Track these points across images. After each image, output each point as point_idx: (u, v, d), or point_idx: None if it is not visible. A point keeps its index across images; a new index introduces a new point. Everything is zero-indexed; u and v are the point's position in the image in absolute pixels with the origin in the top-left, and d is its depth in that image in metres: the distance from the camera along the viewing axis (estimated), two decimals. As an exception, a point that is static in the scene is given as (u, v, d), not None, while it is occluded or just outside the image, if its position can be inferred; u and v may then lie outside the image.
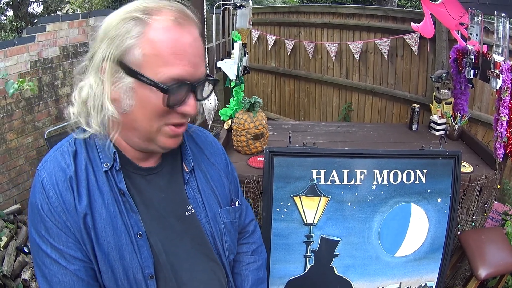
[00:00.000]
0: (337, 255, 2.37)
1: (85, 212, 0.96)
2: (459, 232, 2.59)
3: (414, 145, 2.90)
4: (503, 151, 2.46)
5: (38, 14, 11.16)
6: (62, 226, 0.95)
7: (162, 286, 1.03)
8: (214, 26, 3.55)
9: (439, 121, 3.19)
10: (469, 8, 2.65)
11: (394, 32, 4.36)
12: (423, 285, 2.45)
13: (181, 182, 1.11)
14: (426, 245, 2.39)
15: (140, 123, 0.95)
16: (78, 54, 4.55)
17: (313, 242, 2.35)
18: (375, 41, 4.50)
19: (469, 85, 2.98)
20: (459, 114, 3.08)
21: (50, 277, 0.97)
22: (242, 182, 2.39)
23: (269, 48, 5.84)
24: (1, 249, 3.06)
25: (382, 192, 2.32)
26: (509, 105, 2.39)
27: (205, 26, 3.06)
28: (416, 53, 4.16)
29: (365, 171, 2.30)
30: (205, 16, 2.93)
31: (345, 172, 2.30)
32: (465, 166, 2.55)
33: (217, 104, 3.15)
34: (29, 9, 11.01)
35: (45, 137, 4.07)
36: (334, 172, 2.29)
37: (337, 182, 2.30)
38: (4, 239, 3.14)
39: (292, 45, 5.44)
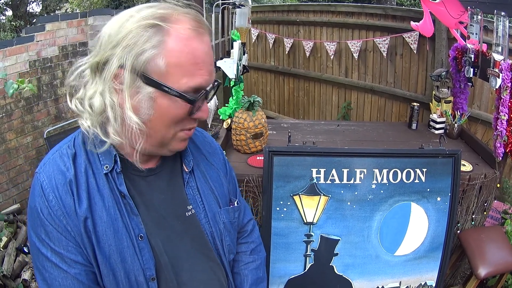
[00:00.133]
0: (337, 254, 2.37)
1: (86, 215, 0.95)
2: (458, 231, 2.59)
3: (413, 144, 2.90)
4: (502, 150, 2.46)
5: (37, 13, 11.14)
6: (63, 230, 0.95)
7: (163, 287, 1.03)
8: (213, 25, 3.55)
9: (438, 120, 3.19)
10: (468, 7, 2.65)
11: (394, 31, 4.36)
12: (423, 284, 2.45)
13: (181, 183, 1.11)
14: (426, 244, 2.39)
15: (157, 131, 0.95)
16: (77, 54, 4.54)
17: (313, 241, 2.36)
18: (374, 40, 4.50)
19: (469, 84, 2.98)
20: (458, 113, 3.08)
21: (50, 281, 0.96)
22: (241, 182, 2.39)
23: (268, 47, 5.84)
24: (1, 249, 3.06)
25: (382, 191, 2.32)
26: (509, 104, 2.39)
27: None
28: (415, 51, 4.16)
29: (365, 170, 2.30)
30: (204, 15, 2.92)
31: (345, 171, 2.30)
32: (465, 165, 2.55)
33: (217, 104, 3.15)
34: (28, 9, 11.00)
35: (45, 136, 4.07)
36: (333, 171, 2.29)
37: (337, 181, 2.30)
38: (4, 239, 3.13)
39: (291, 44, 5.43)
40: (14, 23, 9.90)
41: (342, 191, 2.31)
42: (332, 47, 4.92)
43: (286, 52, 5.58)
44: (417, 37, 4.06)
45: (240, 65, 2.94)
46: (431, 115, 3.29)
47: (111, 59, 0.89)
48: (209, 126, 3.98)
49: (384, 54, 4.43)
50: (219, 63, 2.79)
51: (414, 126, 3.29)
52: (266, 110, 6.25)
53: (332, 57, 5.02)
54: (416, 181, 2.32)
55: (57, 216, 0.94)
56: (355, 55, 4.73)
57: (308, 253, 2.37)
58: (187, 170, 1.11)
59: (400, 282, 2.44)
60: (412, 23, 3.76)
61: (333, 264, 2.39)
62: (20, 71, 3.85)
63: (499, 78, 2.38)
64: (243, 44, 3.07)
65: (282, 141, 2.84)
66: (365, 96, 4.98)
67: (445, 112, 3.16)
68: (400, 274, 2.42)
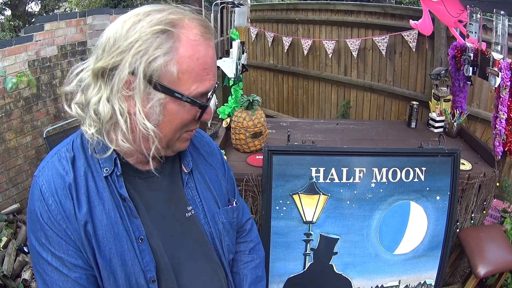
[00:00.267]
0: (336, 253, 2.37)
1: (86, 219, 0.95)
2: (458, 230, 2.59)
3: (413, 143, 2.90)
4: (501, 148, 2.47)
5: (36, 12, 11.12)
6: (63, 234, 0.95)
7: None
8: (212, 24, 3.54)
9: (437, 119, 3.19)
10: (468, 6, 2.65)
11: (393, 29, 4.36)
12: (422, 282, 2.46)
13: (180, 184, 1.11)
14: (425, 243, 2.39)
15: (165, 135, 0.96)
16: (76, 53, 4.54)
17: (312, 240, 2.36)
18: (374, 38, 4.50)
19: (468, 82, 2.98)
20: (457, 111, 3.08)
21: (51, 284, 0.96)
22: (241, 181, 2.39)
23: (267, 45, 5.83)
24: (1, 249, 3.06)
25: (381, 190, 2.32)
26: (508, 103, 2.39)
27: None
28: (415, 50, 4.16)
29: (364, 169, 2.30)
30: (203, 15, 2.91)
31: (344, 170, 2.30)
32: (464, 164, 2.56)
33: (216, 103, 3.15)
34: (26, 8, 10.98)
35: (44, 136, 4.08)
36: (333, 170, 2.29)
37: (336, 180, 2.30)
38: (4, 239, 3.14)
39: (289, 42, 5.43)
40: (13, 23, 9.90)
41: (341, 190, 2.31)
42: (331, 46, 4.92)
43: (285, 50, 5.58)
44: (416, 35, 4.05)
45: (239, 64, 2.93)
46: (430, 113, 3.29)
47: (121, 65, 0.88)
48: (209, 125, 3.98)
49: (383, 52, 4.43)
50: (219, 63, 2.79)
51: (413, 124, 3.29)
52: (265, 108, 6.26)
53: (331, 56, 5.02)
54: (415, 180, 2.32)
55: (57, 221, 0.94)
56: (354, 54, 4.73)
57: (307, 252, 2.37)
58: (186, 171, 1.11)
59: (400, 281, 2.44)
60: (411, 21, 3.76)
61: (333, 263, 2.39)
62: (19, 71, 3.85)
63: (498, 77, 2.38)
64: (242, 43, 3.07)
65: (281, 140, 2.84)
66: (364, 94, 4.98)
67: (444, 111, 3.16)
68: (399, 273, 2.42)
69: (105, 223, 0.97)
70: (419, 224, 2.37)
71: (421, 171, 2.32)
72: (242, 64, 3.09)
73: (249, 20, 3.27)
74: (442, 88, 3.15)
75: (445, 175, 2.33)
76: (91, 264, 0.97)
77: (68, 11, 10.45)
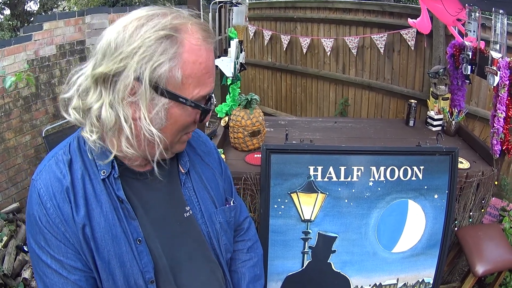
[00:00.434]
0: (334, 251, 2.38)
1: (84, 222, 0.95)
2: (456, 228, 2.60)
3: (411, 141, 2.91)
4: (499, 147, 2.47)
5: (35, 12, 11.10)
6: (61, 238, 0.95)
7: None
8: (210, 23, 3.54)
9: (436, 117, 3.19)
10: (466, 4, 2.65)
11: (391, 28, 4.35)
12: (420, 280, 2.46)
13: (178, 184, 1.11)
14: (423, 241, 2.39)
15: (167, 138, 0.96)
16: (75, 52, 4.54)
17: (311, 238, 2.36)
18: (372, 36, 4.50)
19: (466, 81, 2.98)
20: (456, 109, 3.09)
21: (51, 286, 0.97)
22: (239, 179, 2.40)
23: (265, 44, 5.83)
24: (1, 248, 3.07)
25: (379, 189, 2.32)
26: (506, 101, 2.39)
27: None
28: (413, 48, 4.16)
29: (362, 167, 2.31)
30: (201, 14, 2.91)
31: (342, 168, 2.30)
32: (462, 163, 2.56)
33: (214, 102, 3.15)
34: (25, 7, 10.95)
35: (43, 135, 4.08)
36: (331, 169, 2.30)
37: (334, 178, 2.31)
38: (4, 238, 3.14)
39: (288, 40, 5.43)
40: (11, 22, 9.88)
41: (339, 189, 2.31)
42: (329, 44, 4.92)
43: (284, 48, 5.58)
44: (415, 34, 4.05)
45: (237, 63, 2.93)
46: (428, 112, 3.29)
47: (124, 71, 0.87)
48: (207, 124, 3.98)
49: (382, 50, 4.43)
50: (217, 62, 2.79)
51: (411, 123, 3.30)
52: (263, 106, 6.26)
53: (329, 54, 5.02)
54: (413, 178, 2.33)
55: (55, 224, 0.95)
56: (353, 52, 4.73)
57: (305, 250, 2.38)
58: (183, 171, 1.12)
59: (398, 279, 2.45)
60: (409, 20, 3.75)
61: (331, 261, 2.39)
62: (18, 71, 3.85)
63: (496, 75, 2.38)
64: (240, 42, 3.07)
65: (279, 138, 2.84)
66: (362, 92, 4.99)
67: (442, 109, 3.17)
68: (397, 271, 2.43)
69: (103, 226, 0.97)
70: (417, 222, 2.37)
71: (419, 169, 2.32)
72: (240, 63, 3.09)
73: (247, 19, 3.27)
74: (440, 86, 3.15)
75: (443, 174, 2.33)
76: (90, 266, 0.98)
77: (67, 10, 10.45)
